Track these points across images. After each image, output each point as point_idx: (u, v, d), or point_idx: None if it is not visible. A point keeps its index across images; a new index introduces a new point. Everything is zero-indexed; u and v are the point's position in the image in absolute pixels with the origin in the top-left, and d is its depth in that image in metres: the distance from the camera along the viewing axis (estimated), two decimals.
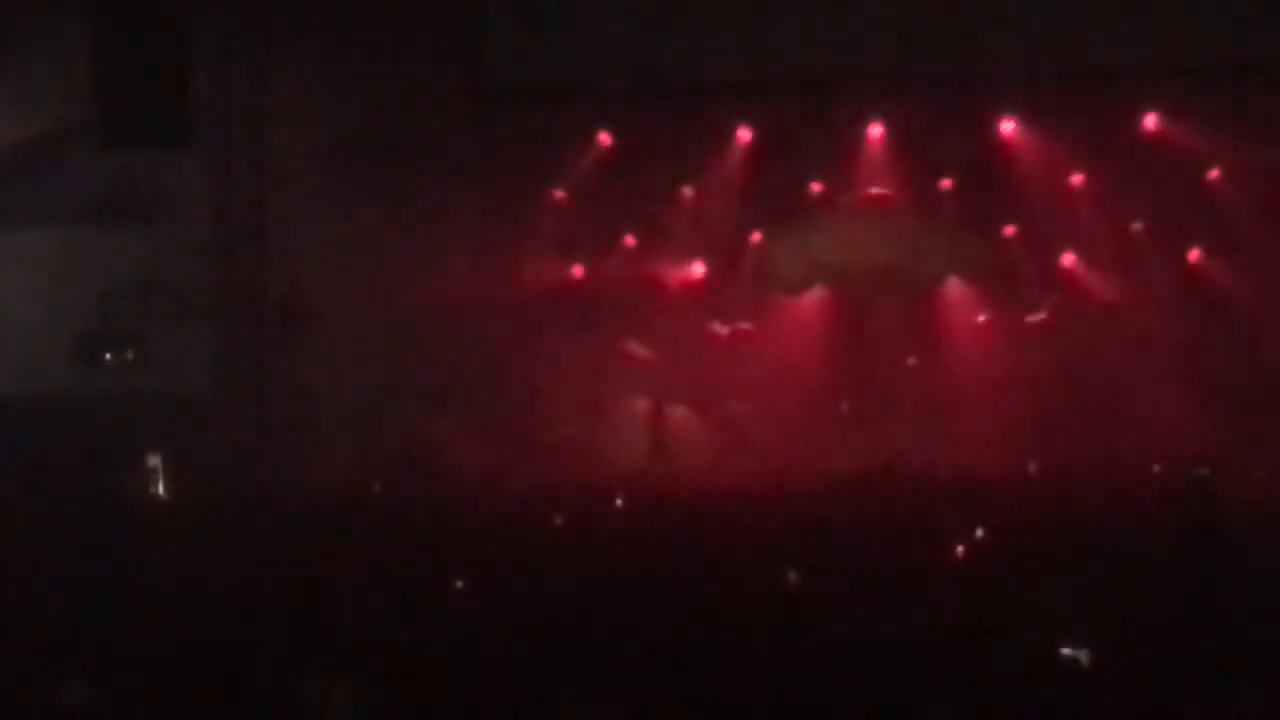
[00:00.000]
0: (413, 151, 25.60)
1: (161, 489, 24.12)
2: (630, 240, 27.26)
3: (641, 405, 26.90)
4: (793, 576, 15.07)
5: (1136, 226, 26.63)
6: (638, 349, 27.01)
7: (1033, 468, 24.64)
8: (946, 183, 26.78)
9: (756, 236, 27.45)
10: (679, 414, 26.87)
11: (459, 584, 14.46)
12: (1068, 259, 26.92)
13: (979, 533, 17.20)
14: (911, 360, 26.76)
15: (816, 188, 27.01)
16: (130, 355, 25.74)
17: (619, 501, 21.84)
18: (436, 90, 25.96)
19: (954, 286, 27.21)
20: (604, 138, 26.76)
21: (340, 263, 25.72)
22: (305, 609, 12.87)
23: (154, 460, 24.21)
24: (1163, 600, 12.66)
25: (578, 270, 27.28)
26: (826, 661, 10.99)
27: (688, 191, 27.07)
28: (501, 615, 12.63)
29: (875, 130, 26.65)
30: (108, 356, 25.77)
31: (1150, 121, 26.12)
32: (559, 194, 26.81)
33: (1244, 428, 24.66)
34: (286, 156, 26.02)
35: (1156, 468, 23.27)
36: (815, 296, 27.41)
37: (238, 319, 26.19)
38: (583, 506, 20.64)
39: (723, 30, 25.76)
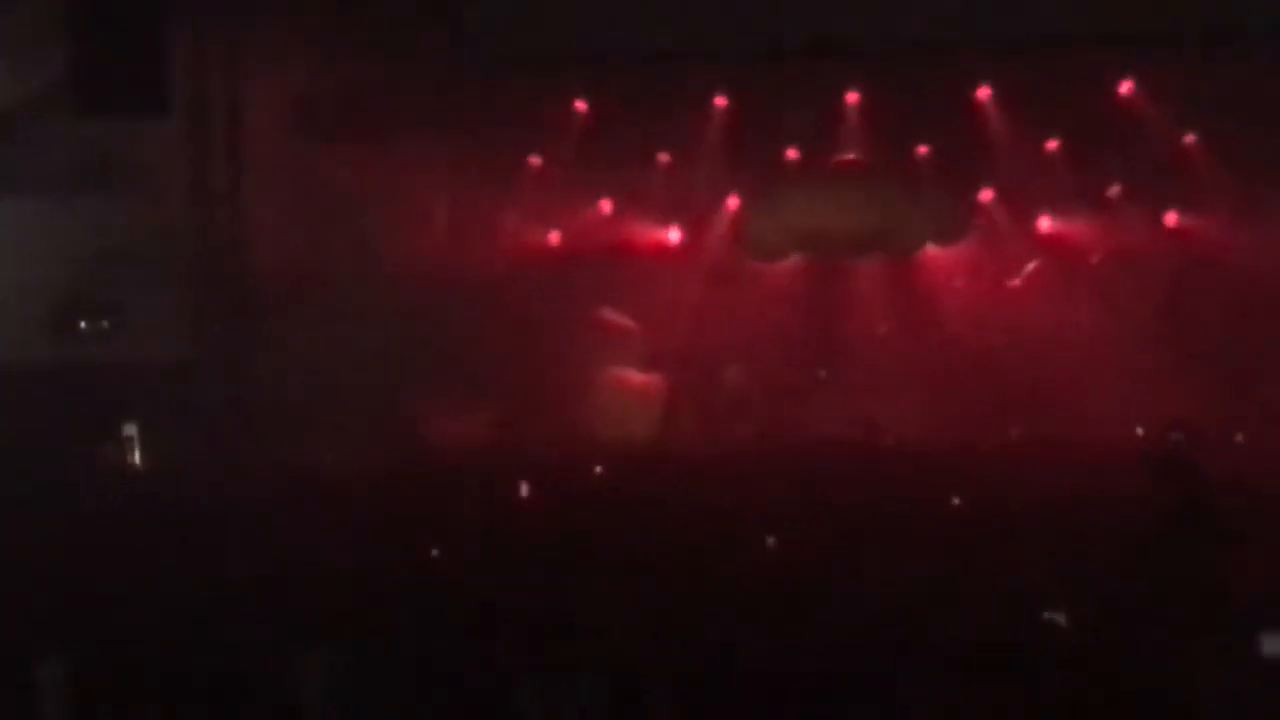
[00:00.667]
0: (391, 118, 25.49)
1: (137, 458, 24.10)
2: (607, 207, 27.24)
3: (621, 373, 26.89)
4: (771, 543, 15.11)
5: (1113, 190, 26.68)
6: (614, 316, 26.99)
7: (1011, 433, 24.72)
8: (923, 149, 26.80)
9: (733, 203, 27.45)
10: (655, 381, 26.85)
11: (434, 553, 14.45)
12: (1044, 223, 26.96)
13: (955, 500, 17.25)
14: (881, 329, 26.76)
15: (793, 155, 27.01)
16: (106, 324, 25.66)
17: (598, 469, 21.88)
18: (414, 57, 25.85)
19: (931, 252, 27.25)
20: (580, 105, 26.73)
21: (317, 229, 25.65)
22: (281, 581, 12.85)
23: (130, 430, 24.18)
24: (1139, 566, 12.70)
25: (554, 236, 27.27)
26: (806, 630, 11.00)
27: (664, 158, 27.05)
28: (482, 589, 12.63)
29: (852, 97, 26.63)
30: (84, 325, 25.67)
31: (1125, 87, 26.14)
32: (535, 160, 26.79)
33: (1223, 392, 24.77)
34: (263, 124, 25.92)
35: (1140, 430, 23.34)
36: (792, 263, 27.42)
37: (215, 287, 26.08)
38: (562, 475, 20.65)
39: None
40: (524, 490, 19.33)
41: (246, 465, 22.66)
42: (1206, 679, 9.85)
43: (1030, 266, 26.85)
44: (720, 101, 26.76)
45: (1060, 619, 11.28)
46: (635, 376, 26.86)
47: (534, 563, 13.86)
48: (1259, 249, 25.85)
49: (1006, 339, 26.30)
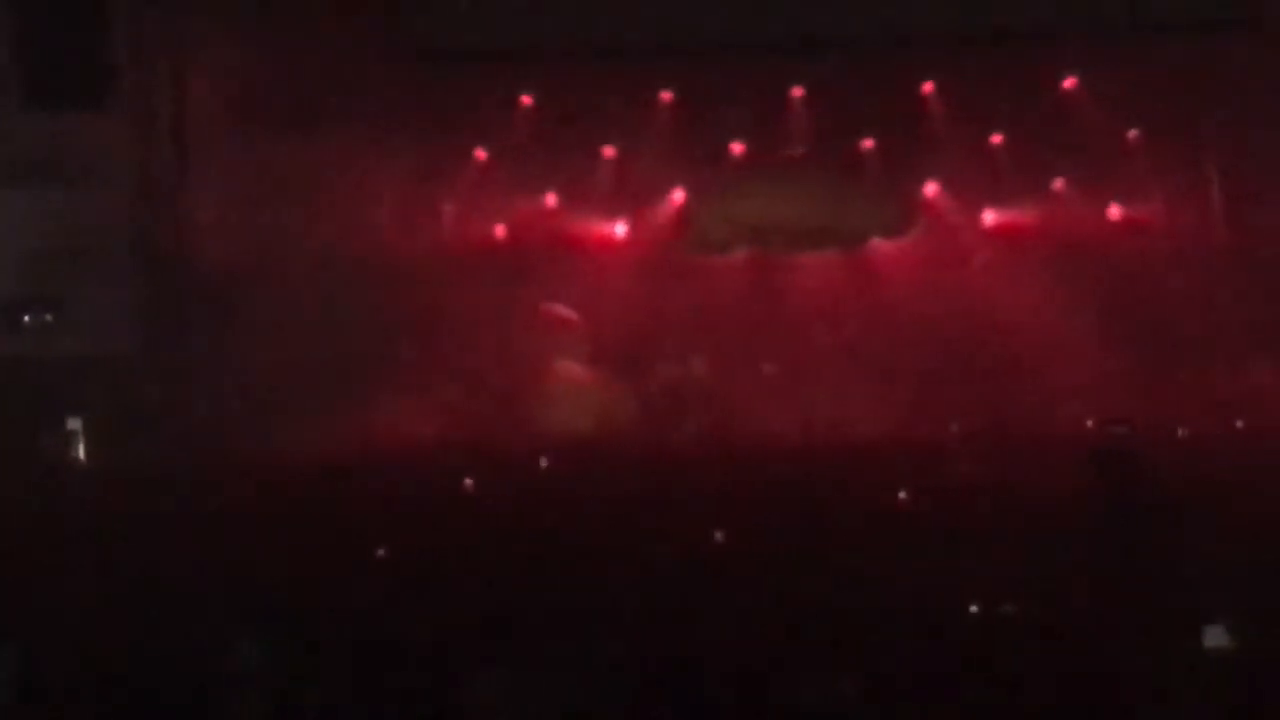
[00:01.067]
0: (335, 112, 25.40)
1: (82, 453, 23.98)
2: (552, 200, 27.21)
3: (566, 366, 26.87)
4: (719, 537, 15.15)
5: (1057, 184, 26.78)
6: (561, 310, 26.96)
7: (954, 427, 24.76)
8: (868, 143, 26.85)
9: (679, 197, 27.44)
10: (600, 374, 26.83)
11: (380, 552, 14.44)
12: (989, 216, 27.03)
13: (901, 494, 17.31)
14: (828, 322, 26.80)
15: (738, 149, 27.02)
16: (50, 318, 25.50)
17: (543, 462, 21.89)
18: (359, 51, 25.76)
19: (876, 245, 27.29)
20: (526, 99, 26.69)
21: (261, 222, 25.54)
22: (227, 575, 12.83)
23: (74, 424, 24.06)
24: (1083, 557, 12.78)
25: (499, 230, 27.23)
26: (753, 620, 11.04)
27: (609, 152, 27.03)
28: (431, 580, 12.63)
29: (797, 91, 26.66)
30: (27, 319, 25.51)
31: (1069, 82, 26.26)
32: (481, 153, 26.75)
33: (1166, 385, 24.90)
34: (205, 117, 25.82)
35: (1090, 422, 23.44)
36: (737, 257, 27.41)
37: (160, 281, 25.95)
38: (506, 470, 20.66)
39: None
40: (468, 483, 19.36)
41: (191, 457, 22.59)
42: (1149, 668, 9.92)
43: (978, 258, 26.89)
44: (666, 96, 26.74)
45: (1006, 609, 11.36)
46: (580, 369, 26.82)
47: (479, 555, 13.87)
48: (1201, 242, 26.01)
49: (951, 332, 26.35)
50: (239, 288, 25.52)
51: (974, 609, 11.61)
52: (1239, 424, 24.31)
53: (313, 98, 25.44)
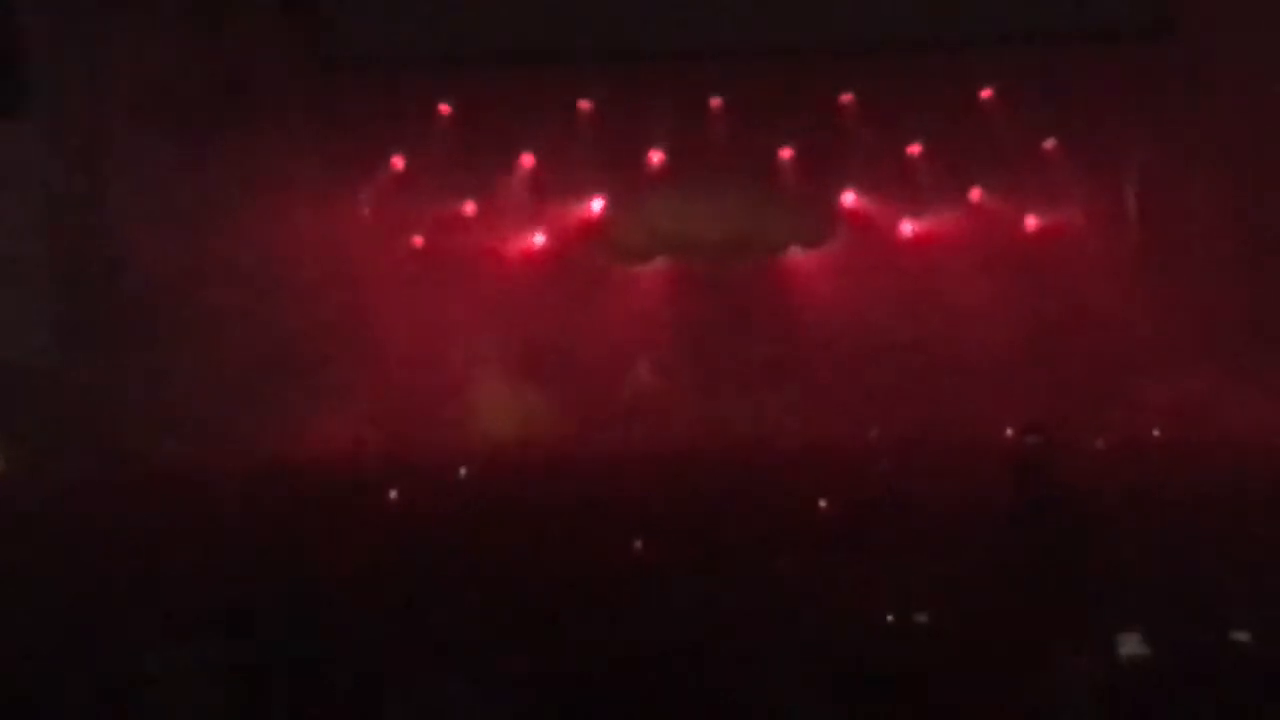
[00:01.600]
0: (254, 121, 25.26)
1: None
2: (471, 209, 27.15)
3: (484, 376, 26.80)
4: (639, 546, 15.13)
5: (974, 194, 26.90)
6: (478, 318, 26.90)
7: (873, 436, 24.82)
8: (786, 153, 26.91)
9: (597, 206, 27.43)
10: (518, 384, 26.77)
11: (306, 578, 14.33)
12: (906, 226, 27.12)
13: (821, 503, 17.32)
14: (747, 332, 26.82)
15: (657, 158, 27.03)
16: None
17: (462, 471, 21.83)
18: (275, 59, 25.67)
19: (795, 255, 27.35)
20: (444, 107, 26.63)
21: (177, 228, 25.36)
22: (146, 587, 12.73)
23: None
24: (998, 568, 12.81)
25: (418, 240, 27.14)
26: (672, 631, 11.02)
27: (528, 161, 27.00)
28: (349, 592, 12.56)
29: (716, 101, 26.70)
30: None
31: (987, 92, 26.38)
32: (398, 161, 26.67)
33: (1084, 395, 25.06)
34: (121, 122, 25.65)
35: (1010, 431, 23.55)
36: (655, 267, 27.42)
37: (77, 291, 25.75)
38: (426, 481, 20.59)
39: (564, 1, 25.79)
40: (390, 494, 19.28)
41: (109, 468, 22.46)
42: (1063, 677, 9.96)
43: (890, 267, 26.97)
44: (585, 104, 26.74)
45: (923, 618, 11.38)
46: (498, 379, 26.75)
47: (399, 564, 13.82)
48: (1119, 250, 26.18)
49: (870, 340, 26.43)
50: (157, 297, 25.37)
51: (889, 618, 11.64)
52: (1155, 432, 24.49)
53: (231, 106, 25.29)
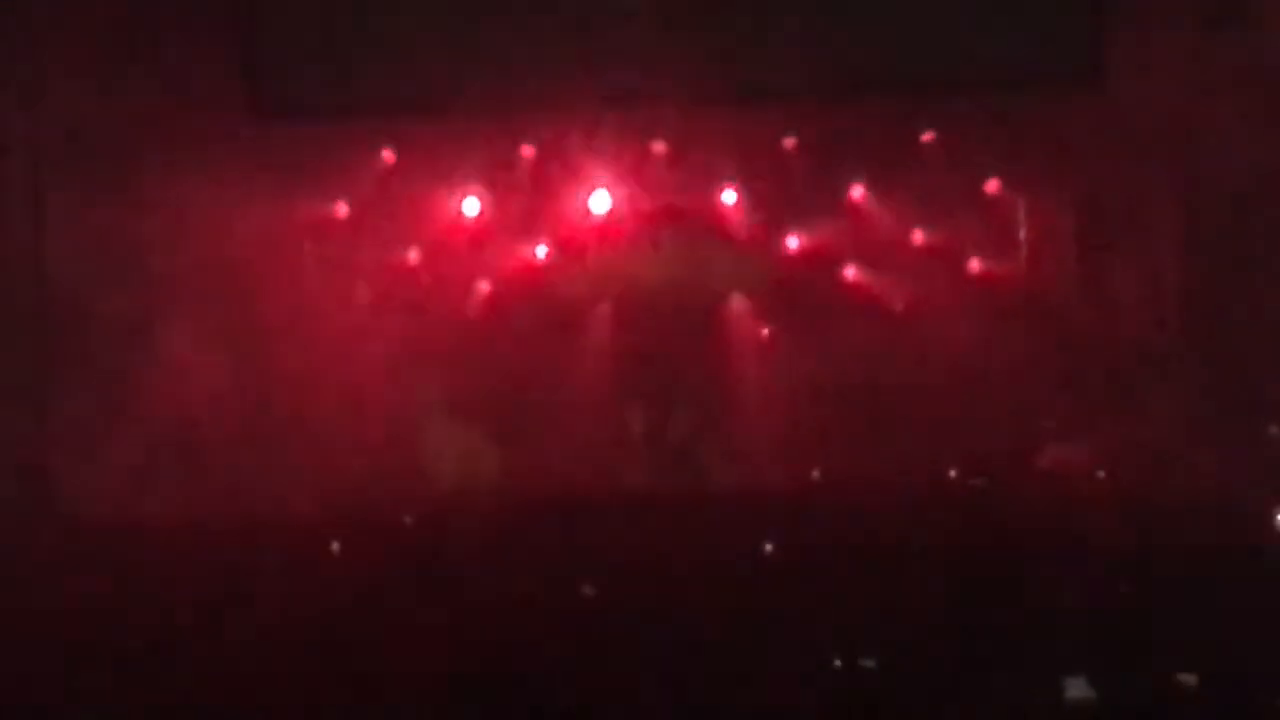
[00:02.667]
0: (188, 167, 25.12)
1: None
2: (414, 256, 27.06)
3: (427, 425, 26.71)
4: (588, 590, 15.11)
5: (917, 237, 26.95)
6: (420, 367, 26.82)
7: (816, 480, 24.80)
8: (730, 198, 26.92)
9: (541, 252, 27.39)
10: (460, 432, 26.66)
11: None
12: (850, 271, 27.14)
13: (767, 547, 17.30)
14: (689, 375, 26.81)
15: (600, 204, 27.01)
16: None
17: (407, 520, 21.74)
18: (217, 105, 25.56)
19: (738, 301, 27.34)
20: (387, 155, 26.56)
21: (116, 277, 25.24)
22: (75, 636, 12.62)
23: None
24: (938, 611, 12.80)
25: (359, 288, 27.02)
26: (608, 673, 10.99)
27: (472, 208, 26.95)
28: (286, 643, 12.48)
29: (658, 146, 26.70)
30: None
31: (929, 134, 26.45)
32: (342, 210, 26.57)
33: (1025, 438, 25.13)
34: (53, 167, 25.51)
35: (953, 473, 23.57)
36: (598, 311, 27.37)
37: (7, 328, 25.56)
38: (369, 529, 20.50)
39: (502, 48, 25.79)
40: (333, 546, 19.17)
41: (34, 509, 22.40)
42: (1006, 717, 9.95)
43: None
44: (527, 150, 26.73)
45: (870, 664, 11.37)
46: (441, 428, 26.66)
47: (343, 615, 13.75)
48: (1060, 294, 26.27)
49: (813, 384, 26.43)
50: (98, 338, 25.26)
51: (836, 663, 11.62)
52: (1100, 474, 24.53)
53: (165, 152, 25.15)
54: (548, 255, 27.30)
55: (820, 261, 27.05)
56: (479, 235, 27.01)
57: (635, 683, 10.83)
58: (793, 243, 27.09)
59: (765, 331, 27.11)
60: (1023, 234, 26.42)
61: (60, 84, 25.23)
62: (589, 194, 26.87)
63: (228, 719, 11.11)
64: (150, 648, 12.59)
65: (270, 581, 16.35)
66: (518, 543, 18.18)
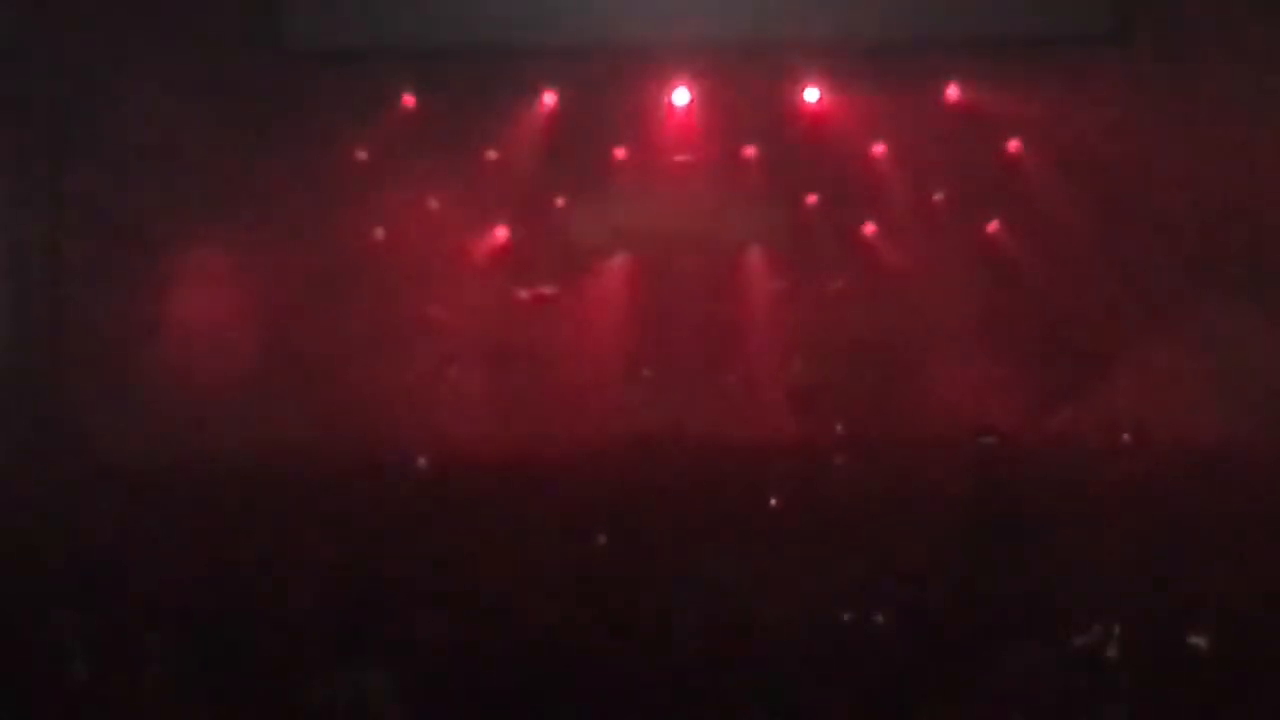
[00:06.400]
0: (214, 115, 25.14)
1: None
2: (434, 203, 27.08)
3: (446, 369, 26.78)
4: (601, 540, 15.14)
5: (938, 197, 26.92)
6: (440, 312, 26.89)
7: (829, 435, 24.83)
8: (750, 150, 26.92)
9: (560, 201, 27.42)
10: (481, 377, 26.72)
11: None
12: (869, 228, 27.15)
13: (773, 501, 17.34)
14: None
15: (620, 153, 27.03)
16: None
17: (421, 462, 21.81)
18: (237, 53, 25.54)
19: (755, 254, 27.37)
20: (408, 99, 26.55)
21: (142, 227, 25.30)
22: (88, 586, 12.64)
23: None
24: (950, 566, 12.85)
25: (379, 232, 27.07)
26: (626, 628, 11.02)
27: (492, 154, 26.95)
28: (299, 583, 12.53)
29: (681, 97, 26.69)
30: None
31: (952, 92, 26.39)
32: (362, 155, 26.56)
33: (1036, 397, 25.13)
34: (84, 120, 25.55)
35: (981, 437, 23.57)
36: (618, 261, 27.42)
37: (33, 280, 25.66)
38: (381, 473, 20.57)
39: None
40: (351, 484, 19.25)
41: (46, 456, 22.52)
42: (1015, 672, 9.99)
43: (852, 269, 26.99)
44: (548, 99, 26.70)
45: (878, 616, 11.41)
46: (460, 373, 26.73)
47: (356, 557, 13.80)
48: (1083, 254, 26.22)
49: (830, 339, 26.49)
50: (110, 287, 25.32)
51: (846, 617, 11.65)
52: (1125, 437, 24.55)
53: (192, 101, 25.14)
54: (566, 203, 27.38)
55: (839, 217, 27.09)
56: (498, 180, 27.00)
57: (649, 633, 10.90)
58: (812, 198, 27.12)
59: (781, 285, 27.20)
60: (1045, 192, 26.33)
61: (77, 35, 25.26)
62: (610, 143, 26.88)
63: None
64: None
65: None
66: (533, 490, 18.28)
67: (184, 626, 10.84)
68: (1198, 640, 10.48)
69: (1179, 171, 25.10)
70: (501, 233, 27.37)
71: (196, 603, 11.55)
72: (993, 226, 26.94)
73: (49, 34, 25.34)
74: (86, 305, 25.62)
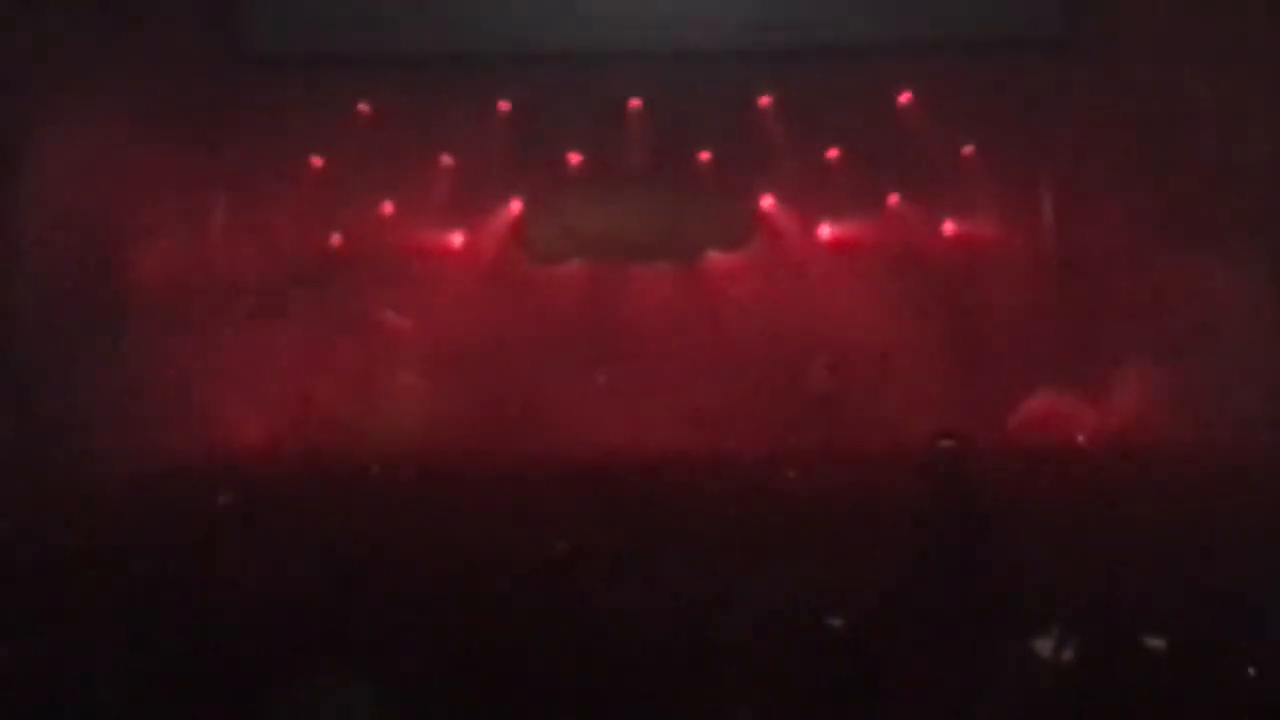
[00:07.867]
0: (167, 119, 25.04)
1: None
2: (389, 208, 27.07)
3: (401, 376, 26.73)
4: (561, 547, 15.10)
5: (893, 199, 27.00)
6: (395, 318, 26.86)
7: (787, 442, 24.84)
8: (705, 155, 26.96)
9: (516, 207, 27.42)
10: (436, 383, 26.66)
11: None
12: (825, 230, 27.20)
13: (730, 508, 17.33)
14: (660, 335, 26.83)
15: (575, 159, 27.04)
16: None
17: (375, 470, 21.74)
18: (191, 58, 25.48)
19: (713, 258, 27.40)
20: (363, 106, 26.54)
21: (90, 235, 25.18)
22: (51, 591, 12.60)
23: None
24: (909, 571, 12.85)
25: (336, 239, 27.04)
26: (591, 635, 10.99)
27: (447, 161, 26.94)
28: (253, 591, 12.48)
29: (635, 103, 26.72)
30: None
31: (905, 97, 26.48)
32: (317, 161, 26.54)
33: (995, 399, 25.20)
34: (36, 125, 25.43)
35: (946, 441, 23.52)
36: (573, 268, 27.42)
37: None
38: (339, 479, 20.50)
39: (482, 1, 25.84)
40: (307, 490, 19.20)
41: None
42: (979, 679, 9.99)
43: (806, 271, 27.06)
44: (503, 105, 26.72)
45: (837, 623, 11.39)
46: (415, 379, 26.68)
47: (305, 565, 13.73)
48: (1035, 257, 26.32)
49: (788, 345, 26.50)
50: (70, 291, 25.21)
51: (806, 623, 11.63)
52: (1080, 439, 24.64)
53: (145, 105, 25.03)
54: (522, 209, 27.38)
55: (796, 220, 27.14)
56: (453, 187, 27.00)
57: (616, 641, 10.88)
58: (768, 202, 27.16)
59: (737, 290, 27.22)
60: (1000, 196, 26.42)
61: (52, 54, 25.16)
62: (565, 149, 26.90)
63: None
64: None
65: None
66: (493, 498, 18.23)
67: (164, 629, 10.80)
68: (1156, 642, 10.50)
69: (1129, 172, 25.20)
70: (457, 238, 27.34)
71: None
72: (949, 228, 27.01)
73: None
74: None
